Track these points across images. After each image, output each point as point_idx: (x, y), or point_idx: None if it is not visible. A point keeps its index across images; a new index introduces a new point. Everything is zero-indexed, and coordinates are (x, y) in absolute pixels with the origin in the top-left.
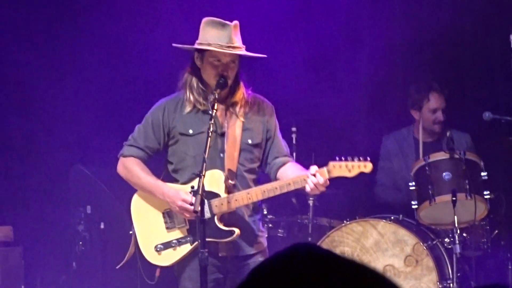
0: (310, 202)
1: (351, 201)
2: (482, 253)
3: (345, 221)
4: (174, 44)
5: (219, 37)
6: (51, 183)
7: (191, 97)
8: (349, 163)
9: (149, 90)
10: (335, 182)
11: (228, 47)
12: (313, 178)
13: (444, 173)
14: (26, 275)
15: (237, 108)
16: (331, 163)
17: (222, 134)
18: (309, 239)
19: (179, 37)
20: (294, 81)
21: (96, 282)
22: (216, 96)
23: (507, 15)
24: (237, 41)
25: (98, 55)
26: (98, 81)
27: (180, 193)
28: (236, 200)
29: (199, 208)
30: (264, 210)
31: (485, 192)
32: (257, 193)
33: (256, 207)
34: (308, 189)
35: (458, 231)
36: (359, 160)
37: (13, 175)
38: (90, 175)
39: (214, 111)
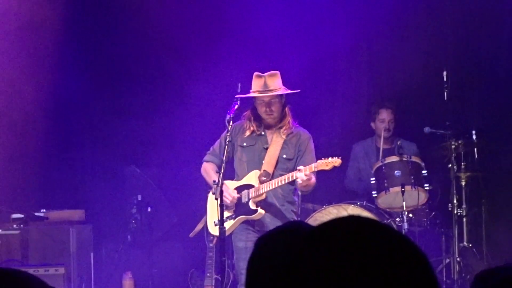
0: (299, 192)
1: (328, 191)
2: (423, 229)
3: (324, 206)
4: (236, 96)
5: (258, 85)
6: (113, 177)
7: (250, 126)
8: (327, 160)
9: (197, 122)
10: (317, 176)
11: (264, 91)
12: (298, 173)
13: (395, 171)
14: (94, 246)
15: (282, 131)
16: (318, 161)
17: (266, 148)
18: (298, 218)
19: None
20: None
21: (144, 250)
22: (231, 117)
23: (442, 53)
24: (272, 85)
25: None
26: (162, 109)
27: (224, 188)
28: (261, 188)
29: (219, 196)
30: None
31: (425, 185)
32: (272, 183)
33: (289, 201)
34: (298, 181)
35: (406, 213)
36: (332, 157)
37: (85, 170)
38: (140, 173)
39: (230, 126)
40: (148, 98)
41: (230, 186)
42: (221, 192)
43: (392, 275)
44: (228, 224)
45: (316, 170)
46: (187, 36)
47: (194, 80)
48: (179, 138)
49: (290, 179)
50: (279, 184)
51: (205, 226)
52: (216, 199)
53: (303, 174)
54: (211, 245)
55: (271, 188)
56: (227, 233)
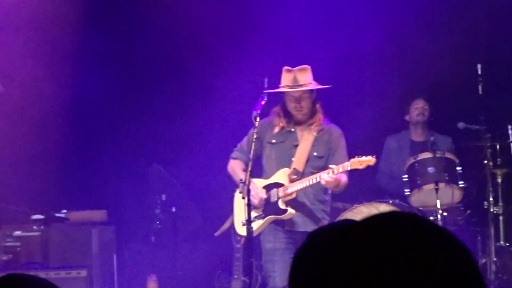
0: (329, 191)
1: (359, 189)
2: (458, 228)
3: (354, 205)
4: (265, 91)
5: (287, 79)
6: (136, 177)
7: (279, 122)
8: (360, 159)
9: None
10: (348, 174)
11: (294, 86)
12: (322, 175)
13: (429, 168)
14: (117, 247)
15: (312, 128)
16: (351, 160)
17: (296, 146)
18: (328, 218)
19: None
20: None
21: (169, 251)
22: (258, 114)
23: (475, 46)
24: (302, 80)
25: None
26: (187, 107)
27: (252, 187)
28: (291, 187)
29: (246, 195)
30: None
31: (460, 182)
32: (303, 182)
33: (320, 200)
34: (322, 182)
35: (440, 211)
36: (366, 156)
37: (107, 170)
38: (164, 172)
39: (257, 122)
40: (173, 96)
41: (258, 184)
42: (248, 191)
43: (437, 271)
44: (256, 224)
45: (349, 169)
46: (213, 32)
47: (220, 76)
48: (204, 136)
49: (320, 179)
50: (310, 183)
51: (232, 226)
52: (243, 198)
53: (326, 176)
54: (238, 245)
55: (301, 187)
56: (255, 233)
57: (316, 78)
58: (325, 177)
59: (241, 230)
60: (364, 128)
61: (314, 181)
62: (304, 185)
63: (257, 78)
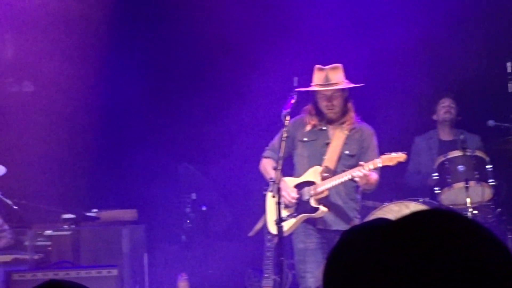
0: (360, 189)
1: (389, 188)
2: (488, 226)
3: (384, 203)
4: (297, 89)
5: (319, 78)
6: (166, 176)
7: (311, 120)
8: (391, 155)
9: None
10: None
11: (326, 84)
12: (355, 172)
13: (459, 166)
14: (148, 246)
15: (344, 127)
16: (381, 157)
17: (328, 144)
18: (360, 216)
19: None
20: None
21: (199, 250)
22: (287, 112)
23: (505, 44)
24: (334, 78)
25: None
26: (217, 106)
27: (283, 186)
28: (323, 185)
29: (277, 194)
30: None
31: (490, 180)
32: (335, 180)
33: (352, 198)
34: (356, 179)
35: (470, 210)
36: (397, 152)
37: (137, 169)
38: (194, 171)
39: (287, 121)
40: (203, 95)
41: (289, 183)
42: (279, 189)
43: (477, 268)
44: (289, 223)
45: (380, 165)
46: (243, 32)
47: (251, 76)
48: (236, 135)
49: (352, 176)
50: (341, 180)
51: (265, 225)
52: (274, 197)
53: (359, 172)
54: (269, 244)
55: (333, 185)
56: (287, 232)
57: (347, 77)
58: (356, 173)
59: (274, 229)
60: (393, 128)
61: (345, 178)
62: (336, 183)
63: (289, 77)
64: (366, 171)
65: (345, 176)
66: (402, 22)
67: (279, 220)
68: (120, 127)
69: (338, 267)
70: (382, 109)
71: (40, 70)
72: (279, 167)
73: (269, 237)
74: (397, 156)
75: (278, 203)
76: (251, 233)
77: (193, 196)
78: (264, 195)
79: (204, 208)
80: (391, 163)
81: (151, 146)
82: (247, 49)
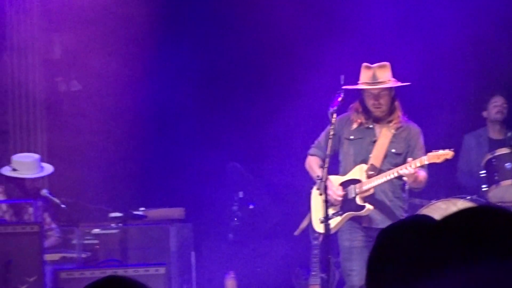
0: (407, 187)
1: (436, 185)
2: None
3: (432, 201)
4: (344, 87)
5: (366, 76)
6: (213, 174)
7: (357, 118)
8: (437, 153)
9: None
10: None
11: (373, 83)
12: (403, 170)
13: (506, 163)
14: (195, 244)
15: (391, 125)
16: (428, 154)
17: (374, 142)
18: (406, 214)
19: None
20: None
21: (247, 249)
22: (334, 110)
23: None
24: (382, 77)
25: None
26: (264, 104)
27: (329, 184)
28: (369, 183)
29: (323, 192)
30: None
31: None
32: (380, 177)
33: (398, 196)
34: (405, 178)
35: None
36: (443, 149)
37: (184, 167)
38: (241, 169)
39: (334, 119)
40: (251, 94)
41: (335, 181)
42: (325, 187)
43: None
44: (334, 221)
45: (427, 163)
46: (291, 30)
47: (298, 75)
48: (282, 133)
49: (398, 174)
50: (387, 178)
51: (310, 223)
52: (320, 194)
53: (406, 170)
54: (315, 242)
55: (379, 183)
56: (333, 230)
57: (395, 75)
58: (403, 170)
59: (319, 227)
60: (441, 127)
61: (391, 176)
62: (382, 181)
63: (337, 76)
64: (413, 168)
65: (391, 174)
66: (452, 20)
67: (326, 218)
68: (168, 126)
69: (380, 267)
70: (431, 108)
71: (88, 69)
72: (326, 165)
73: (315, 235)
74: (444, 153)
75: (325, 201)
76: (296, 232)
77: (241, 194)
78: (310, 193)
79: (251, 206)
80: (438, 161)
81: (199, 144)
82: (295, 48)
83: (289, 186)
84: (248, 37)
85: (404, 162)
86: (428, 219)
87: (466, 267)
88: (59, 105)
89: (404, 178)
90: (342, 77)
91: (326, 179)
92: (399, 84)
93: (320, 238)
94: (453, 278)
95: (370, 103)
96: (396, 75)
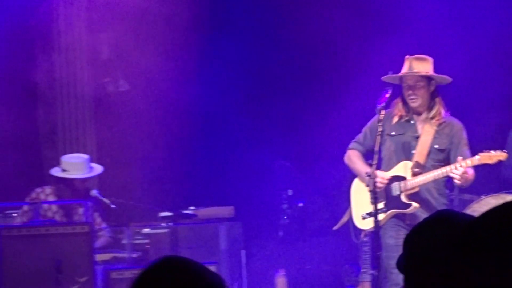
0: (457, 182)
1: (486, 180)
2: None
3: (481, 196)
4: (382, 78)
5: (404, 67)
6: (262, 173)
7: (398, 111)
8: (490, 153)
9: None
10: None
11: (407, 72)
12: (453, 169)
13: None
14: (245, 243)
15: (433, 121)
16: (480, 154)
17: (417, 138)
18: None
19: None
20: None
21: (297, 246)
22: (382, 106)
23: None
24: (418, 68)
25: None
26: (311, 102)
27: (376, 172)
28: (415, 181)
29: (373, 188)
30: None
31: None
32: (427, 177)
33: (441, 193)
34: (456, 182)
35: None
36: (495, 150)
37: (233, 166)
38: (290, 167)
39: (382, 115)
40: (298, 93)
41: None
42: (374, 184)
43: None
44: (378, 218)
45: (479, 163)
46: (339, 27)
47: (346, 72)
48: (330, 131)
49: (447, 173)
50: (434, 177)
51: (351, 219)
52: (370, 191)
53: (457, 171)
54: (365, 239)
55: (426, 182)
56: (369, 227)
57: (441, 72)
58: (454, 170)
59: (361, 224)
60: (489, 125)
61: (439, 175)
62: (429, 180)
63: (386, 73)
64: (463, 168)
65: (440, 173)
66: (501, 16)
67: (376, 214)
68: (217, 124)
69: (413, 267)
70: (478, 107)
71: (136, 69)
72: (375, 162)
73: (356, 232)
74: (497, 155)
75: (375, 198)
76: (336, 227)
77: (289, 192)
78: (349, 188)
79: (300, 204)
80: (490, 161)
81: (248, 143)
82: (343, 46)
83: (338, 184)
84: (297, 35)
85: (447, 158)
86: (454, 214)
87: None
88: (107, 105)
89: (455, 178)
90: (390, 73)
91: (376, 176)
92: (433, 74)
93: (363, 235)
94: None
95: (406, 94)
96: (442, 72)
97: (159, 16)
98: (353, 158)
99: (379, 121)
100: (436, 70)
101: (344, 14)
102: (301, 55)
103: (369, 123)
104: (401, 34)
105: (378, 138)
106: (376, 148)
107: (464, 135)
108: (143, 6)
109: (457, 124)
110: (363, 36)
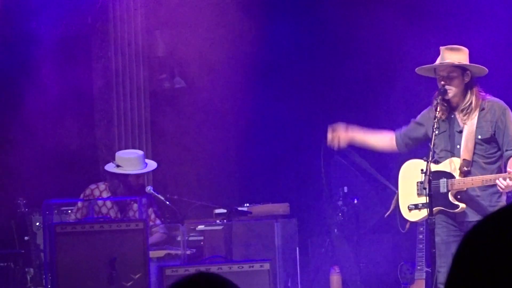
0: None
1: None
2: None
3: None
4: (416, 69)
5: (438, 58)
6: (316, 169)
7: (437, 107)
8: None
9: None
10: None
11: (439, 63)
12: (502, 180)
13: None
14: (300, 240)
15: (471, 111)
16: None
17: (460, 131)
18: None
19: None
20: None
21: (351, 244)
22: (438, 101)
23: None
24: (449, 58)
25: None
26: (365, 98)
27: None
28: (464, 183)
29: (427, 185)
30: None
31: None
32: (478, 181)
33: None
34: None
35: None
36: None
37: (288, 163)
38: (345, 164)
39: (438, 112)
40: (350, 87)
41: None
42: (430, 181)
43: None
44: (422, 213)
45: None
46: (389, 23)
47: (399, 68)
48: (385, 127)
49: (493, 183)
50: (482, 184)
51: (397, 208)
52: (425, 188)
53: (504, 181)
54: (420, 236)
55: (472, 186)
56: (419, 221)
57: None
58: (501, 180)
59: (407, 214)
60: None
61: (487, 182)
62: (477, 185)
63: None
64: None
65: (487, 179)
66: None
67: (431, 213)
68: (272, 121)
69: (470, 257)
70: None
71: (191, 66)
72: (430, 159)
73: (421, 229)
74: None
75: (430, 195)
76: (386, 214)
77: (345, 189)
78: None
79: (356, 201)
80: None
81: (303, 140)
82: (394, 40)
83: (392, 180)
84: (350, 39)
85: (496, 147)
86: None
87: None
88: (163, 102)
89: (500, 186)
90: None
91: (430, 173)
92: (465, 64)
93: (407, 225)
94: None
95: (439, 85)
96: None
97: (214, 14)
98: (383, 131)
99: (434, 117)
100: (476, 62)
101: (395, 13)
102: (354, 54)
103: (419, 115)
104: (450, 26)
105: (434, 136)
106: (431, 145)
107: (509, 117)
108: (198, 4)
109: (500, 105)
110: (411, 29)
